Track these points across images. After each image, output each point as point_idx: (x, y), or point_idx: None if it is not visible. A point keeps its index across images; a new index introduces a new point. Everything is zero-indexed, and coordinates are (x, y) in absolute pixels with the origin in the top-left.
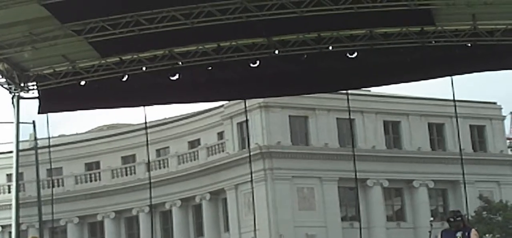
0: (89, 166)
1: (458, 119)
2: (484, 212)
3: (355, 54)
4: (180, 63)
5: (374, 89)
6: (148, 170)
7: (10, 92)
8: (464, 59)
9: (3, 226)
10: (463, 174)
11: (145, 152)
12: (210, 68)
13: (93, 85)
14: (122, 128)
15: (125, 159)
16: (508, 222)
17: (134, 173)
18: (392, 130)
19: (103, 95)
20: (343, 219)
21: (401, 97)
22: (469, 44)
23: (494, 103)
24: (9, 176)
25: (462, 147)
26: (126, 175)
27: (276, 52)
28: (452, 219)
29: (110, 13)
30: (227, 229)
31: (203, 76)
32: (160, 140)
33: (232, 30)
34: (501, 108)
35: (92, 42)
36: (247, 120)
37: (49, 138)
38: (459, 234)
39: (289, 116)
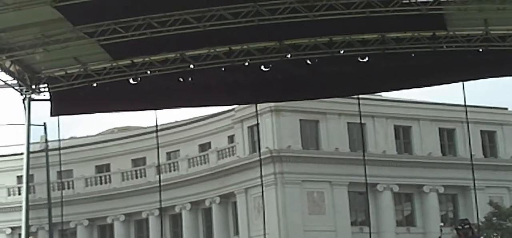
0: (99, 169)
1: (469, 124)
2: (494, 218)
3: (367, 58)
4: (192, 66)
5: (385, 94)
6: (158, 173)
7: (22, 94)
8: (475, 65)
9: (12, 228)
10: (474, 179)
11: (155, 155)
12: (222, 70)
13: (105, 87)
14: (133, 131)
15: (135, 162)
16: None
17: (144, 175)
18: (402, 135)
19: (114, 98)
20: (353, 223)
21: (412, 102)
22: (481, 50)
23: (505, 109)
24: (19, 178)
25: (472, 153)
26: (136, 177)
27: (288, 56)
28: (460, 227)
29: (122, 16)
30: (236, 232)
31: (215, 80)
32: (171, 143)
33: (244, 34)
34: None
35: (104, 45)
36: (258, 124)
37: (59, 140)
38: None
39: (300, 120)
